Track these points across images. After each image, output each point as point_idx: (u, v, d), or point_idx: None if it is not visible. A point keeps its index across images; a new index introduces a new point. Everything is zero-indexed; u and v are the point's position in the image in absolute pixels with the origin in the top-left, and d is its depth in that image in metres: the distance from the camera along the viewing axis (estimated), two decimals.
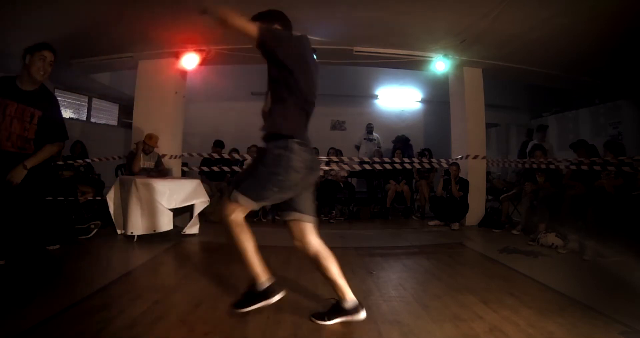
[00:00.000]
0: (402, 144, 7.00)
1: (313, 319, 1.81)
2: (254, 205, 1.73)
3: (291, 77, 1.67)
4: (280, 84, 1.70)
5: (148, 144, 4.30)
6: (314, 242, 1.78)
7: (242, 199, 1.69)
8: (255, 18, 1.77)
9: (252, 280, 1.80)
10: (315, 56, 1.87)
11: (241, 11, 1.66)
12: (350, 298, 1.79)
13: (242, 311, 1.80)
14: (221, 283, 2.40)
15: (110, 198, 3.85)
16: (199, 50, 4.75)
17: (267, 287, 1.78)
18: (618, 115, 6.77)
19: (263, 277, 1.79)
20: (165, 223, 3.58)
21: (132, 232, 3.48)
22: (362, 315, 1.79)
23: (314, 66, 1.79)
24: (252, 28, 1.63)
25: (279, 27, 1.78)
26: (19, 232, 2.25)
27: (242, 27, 1.63)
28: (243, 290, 1.85)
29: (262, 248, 3.64)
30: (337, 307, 1.80)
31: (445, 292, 2.28)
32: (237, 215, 1.72)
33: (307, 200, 1.81)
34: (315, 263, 1.80)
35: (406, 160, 5.49)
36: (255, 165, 1.77)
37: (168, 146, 4.92)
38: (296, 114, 1.73)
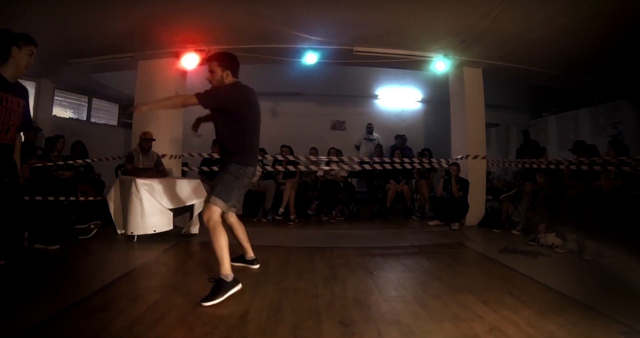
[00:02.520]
0: (401, 141, 6.98)
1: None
2: (225, 206, 2.20)
3: (236, 117, 2.23)
4: (227, 121, 2.26)
5: (145, 138, 4.30)
6: (232, 218, 2.56)
7: (218, 202, 2.17)
8: (211, 58, 2.36)
9: (219, 274, 2.10)
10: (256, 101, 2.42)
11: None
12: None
13: (213, 303, 1.99)
14: None
15: (110, 198, 3.85)
16: (199, 50, 4.75)
17: (233, 279, 2.11)
18: (618, 115, 6.77)
19: (230, 271, 2.12)
20: (165, 223, 3.58)
21: (132, 232, 3.48)
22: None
23: (256, 105, 2.38)
24: (192, 99, 2.16)
25: (229, 73, 2.32)
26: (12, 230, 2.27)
27: (180, 102, 2.33)
28: (212, 286, 2.09)
29: (262, 248, 3.65)
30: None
31: (445, 292, 2.28)
32: (217, 215, 2.17)
33: (240, 199, 2.45)
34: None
35: (406, 160, 5.49)
36: (222, 174, 2.25)
37: (168, 146, 4.92)
38: (245, 138, 2.30)
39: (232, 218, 2.65)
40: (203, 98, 2.16)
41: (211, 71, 2.33)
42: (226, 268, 2.10)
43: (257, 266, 2.75)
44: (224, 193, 2.19)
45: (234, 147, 2.28)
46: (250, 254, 2.75)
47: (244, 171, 2.26)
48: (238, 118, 2.25)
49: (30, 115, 2.42)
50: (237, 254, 2.82)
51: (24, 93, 2.32)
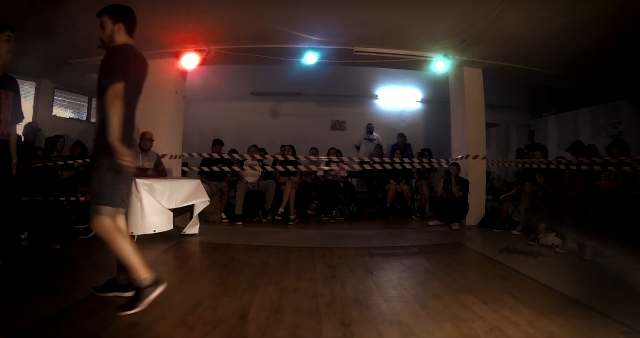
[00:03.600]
0: (403, 140, 6.95)
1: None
2: (113, 211, 1.89)
3: (127, 88, 1.85)
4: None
5: (144, 138, 4.30)
6: (120, 224, 2.00)
7: (104, 210, 1.85)
8: (101, 11, 1.98)
9: (135, 278, 1.84)
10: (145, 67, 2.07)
11: None
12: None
13: (131, 312, 1.78)
14: (221, 283, 2.40)
15: None
16: (199, 50, 4.75)
17: (153, 280, 1.84)
18: (618, 115, 6.77)
19: (145, 273, 1.85)
20: (165, 223, 3.58)
21: (132, 232, 3.47)
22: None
23: (138, 73, 2.00)
24: (118, 89, 1.80)
25: (121, 27, 1.97)
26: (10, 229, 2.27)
27: (119, 106, 1.81)
28: (133, 290, 1.87)
29: (262, 249, 3.66)
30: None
31: (445, 292, 2.28)
32: (108, 223, 1.85)
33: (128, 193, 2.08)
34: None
35: (406, 160, 5.49)
36: (99, 173, 1.87)
37: (168, 146, 4.92)
38: (124, 121, 1.87)
39: (121, 221, 2.04)
40: (104, 76, 1.82)
41: (101, 26, 1.98)
42: (140, 272, 1.83)
43: (130, 294, 1.99)
44: (107, 197, 1.86)
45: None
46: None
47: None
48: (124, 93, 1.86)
49: (20, 107, 2.40)
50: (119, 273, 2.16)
51: (13, 85, 2.30)
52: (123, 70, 1.85)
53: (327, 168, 5.63)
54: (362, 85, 7.81)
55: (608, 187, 3.55)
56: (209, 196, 4.08)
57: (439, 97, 6.74)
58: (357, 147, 7.42)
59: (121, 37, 1.98)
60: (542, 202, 4.06)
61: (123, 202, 2.04)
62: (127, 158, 1.79)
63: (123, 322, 1.74)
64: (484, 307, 2.01)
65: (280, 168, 5.45)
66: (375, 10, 3.77)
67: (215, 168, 5.11)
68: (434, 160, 5.49)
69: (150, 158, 4.34)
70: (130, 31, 2.02)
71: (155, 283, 1.85)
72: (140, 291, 1.82)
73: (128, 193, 2.08)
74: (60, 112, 6.75)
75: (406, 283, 2.53)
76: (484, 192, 5.29)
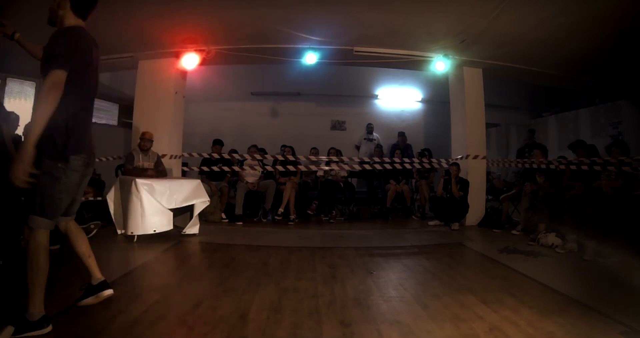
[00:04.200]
0: (403, 139, 6.93)
1: (77, 304, 1.91)
2: (51, 224, 1.68)
3: (73, 77, 1.63)
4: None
5: (145, 139, 4.30)
6: (72, 227, 1.94)
7: (41, 222, 1.63)
8: None
9: (26, 307, 1.61)
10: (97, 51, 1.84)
11: None
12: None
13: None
14: (221, 283, 2.40)
15: (110, 198, 3.86)
16: (199, 50, 4.76)
17: (41, 318, 1.62)
18: (618, 115, 6.77)
19: (40, 307, 1.63)
20: (165, 223, 3.59)
21: (132, 232, 3.48)
22: (109, 291, 1.95)
23: (95, 69, 1.80)
24: (60, 76, 1.57)
25: (68, 4, 1.73)
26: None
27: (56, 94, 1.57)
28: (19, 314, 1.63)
29: (262, 249, 3.66)
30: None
31: (445, 292, 2.28)
32: (42, 238, 1.64)
33: (76, 202, 1.90)
34: (69, 240, 1.95)
35: (406, 160, 5.49)
36: (38, 179, 1.60)
37: (168, 146, 4.92)
38: (75, 115, 1.69)
39: (71, 224, 1.95)
40: (52, 60, 1.58)
41: None
42: (36, 304, 1.60)
43: (109, 292, 1.98)
44: (46, 208, 1.63)
45: (52, 129, 1.59)
46: (98, 275, 2.00)
47: (64, 166, 1.65)
48: (69, 82, 1.60)
49: (2, 103, 2.39)
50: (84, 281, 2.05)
51: None
52: (66, 56, 1.59)
53: (327, 168, 5.63)
54: (362, 85, 7.81)
55: (608, 187, 3.56)
56: (209, 196, 4.08)
57: (439, 97, 6.74)
58: (357, 147, 7.42)
59: (67, 14, 1.74)
60: (542, 202, 4.06)
61: (70, 210, 1.87)
62: (23, 176, 1.48)
63: (123, 322, 1.74)
64: (484, 307, 2.01)
65: (280, 168, 5.45)
66: (375, 10, 3.77)
67: (215, 168, 5.12)
68: (434, 160, 5.49)
69: (150, 158, 4.34)
70: (78, 10, 1.76)
71: (41, 323, 1.60)
72: (25, 323, 1.58)
73: (75, 203, 1.88)
74: None
75: (406, 283, 2.53)
76: (484, 192, 5.29)
